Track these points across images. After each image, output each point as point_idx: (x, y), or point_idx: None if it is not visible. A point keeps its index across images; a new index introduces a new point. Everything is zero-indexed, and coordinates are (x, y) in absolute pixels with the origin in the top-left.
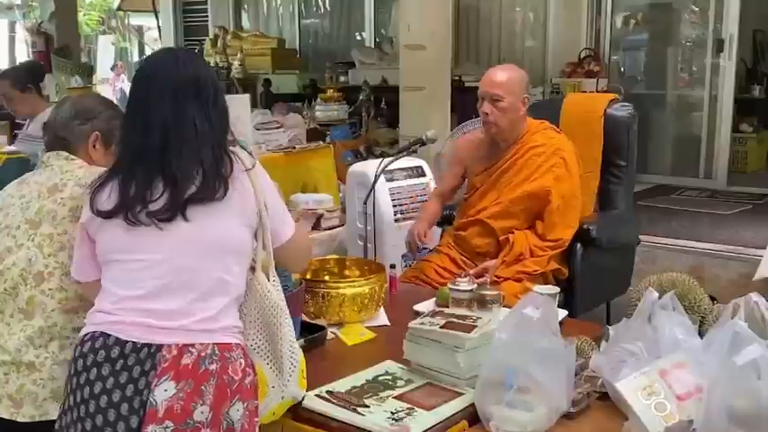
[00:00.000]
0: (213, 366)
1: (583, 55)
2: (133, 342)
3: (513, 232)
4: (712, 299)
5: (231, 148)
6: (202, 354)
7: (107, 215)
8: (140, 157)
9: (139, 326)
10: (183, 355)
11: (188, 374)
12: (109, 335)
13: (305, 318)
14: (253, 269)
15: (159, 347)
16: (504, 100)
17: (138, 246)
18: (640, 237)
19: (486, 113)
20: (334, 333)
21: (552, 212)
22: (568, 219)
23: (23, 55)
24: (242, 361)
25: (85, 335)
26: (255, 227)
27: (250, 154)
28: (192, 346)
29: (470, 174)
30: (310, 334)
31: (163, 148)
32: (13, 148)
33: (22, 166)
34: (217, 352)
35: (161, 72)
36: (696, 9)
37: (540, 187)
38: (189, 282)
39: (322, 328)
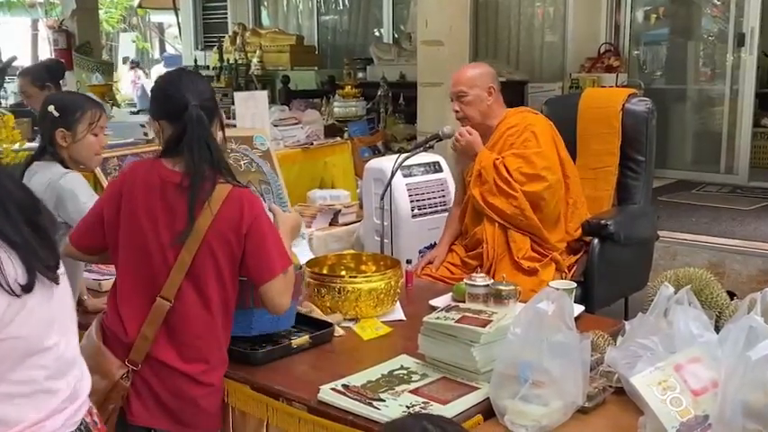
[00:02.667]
0: None
1: (602, 50)
2: None
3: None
4: (732, 294)
5: None
6: None
7: (28, 287)
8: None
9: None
10: None
11: None
12: None
13: (320, 313)
14: None
15: None
16: (468, 95)
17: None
18: (660, 232)
19: (456, 111)
20: (350, 327)
21: (512, 173)
22: (537, 172)
23: (46, 52)
24: None
25: None
26: None
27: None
28: None
29: (465, 173)
30: (318, 330)
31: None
32: (35, 144)
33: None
34: None
35: None
36: (717, 2)
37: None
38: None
39: (329, 325)
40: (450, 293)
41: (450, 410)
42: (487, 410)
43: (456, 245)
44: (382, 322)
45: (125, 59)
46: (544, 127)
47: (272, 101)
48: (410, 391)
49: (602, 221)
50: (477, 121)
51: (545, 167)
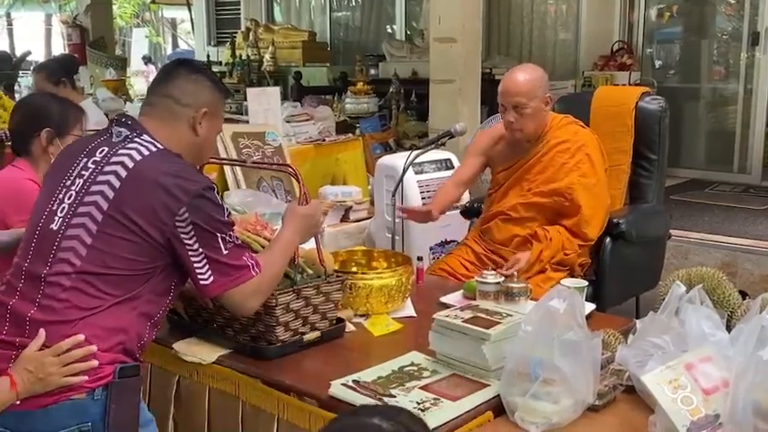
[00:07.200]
0: None
1: (615, 48)
2: None
3: (535, 231)
4: (744, 294)
5: None
6: None
7: None
8: None
9: None
10: None
11: None
12: None
13: None
14: None
15: None
16: (528, 107)
17: None
18: (672, 231)
19: (512, 122)
20: (361, 323)
21: (583, 212)
22: (598, 218)
23: (59, 47)
24: None
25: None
26: None
27: None
28: None
29: (494, 169)
30: (329, 325)
31: None
32: None
33: None
34: None
35: None
36: (731, 1)
37: (566, 186)
38: None
39: (340, 321)
40: (461, 290)
41: (460, 407)
42: (498, 407)
43: (475, 242)
44: (393, 318)
45: (144, 59)
46: (597, 148)
47: (285, 97)
48: (421, 388)
49: (614, 220)
50: (531, 132)
51: (605, 216)
